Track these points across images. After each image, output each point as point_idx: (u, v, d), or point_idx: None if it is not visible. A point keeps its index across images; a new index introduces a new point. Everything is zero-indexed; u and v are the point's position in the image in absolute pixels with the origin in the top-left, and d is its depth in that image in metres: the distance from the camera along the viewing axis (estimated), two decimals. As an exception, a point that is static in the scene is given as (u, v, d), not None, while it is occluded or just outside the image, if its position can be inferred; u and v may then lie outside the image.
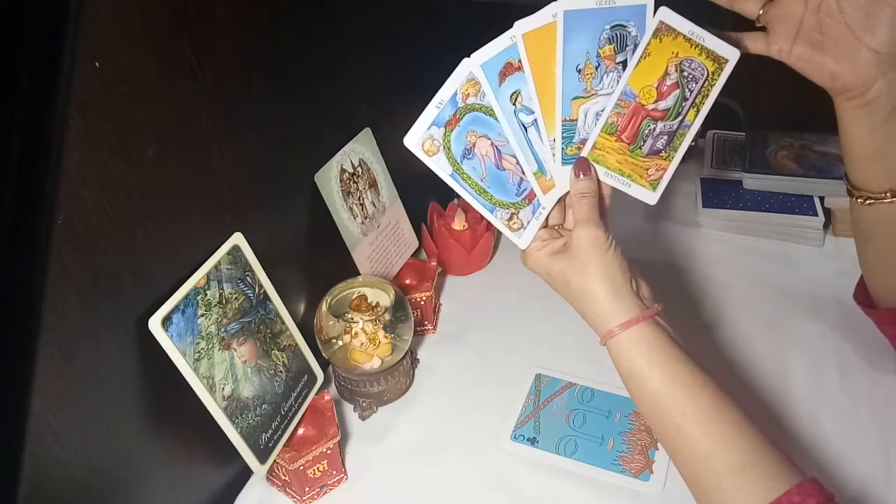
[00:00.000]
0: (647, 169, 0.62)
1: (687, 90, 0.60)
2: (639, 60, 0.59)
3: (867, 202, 0.65)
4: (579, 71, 0.60)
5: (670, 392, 0.58)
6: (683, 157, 0.65)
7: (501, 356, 0.89)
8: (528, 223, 0.65)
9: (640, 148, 0.62)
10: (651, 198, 0.63)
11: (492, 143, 0.62)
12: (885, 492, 0.70)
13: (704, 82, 0.59)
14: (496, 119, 0.62)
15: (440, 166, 0.61)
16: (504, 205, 0.63)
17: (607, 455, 0.76)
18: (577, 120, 0.62)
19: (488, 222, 1.00)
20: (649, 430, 0.78)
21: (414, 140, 0.60)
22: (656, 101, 0.60)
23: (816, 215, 1.01)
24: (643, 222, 1.08)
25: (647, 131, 0.61)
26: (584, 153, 0.63)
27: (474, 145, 0.61)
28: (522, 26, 0.59)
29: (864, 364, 0.83)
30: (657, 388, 0.58)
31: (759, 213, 1.03)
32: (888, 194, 0.63)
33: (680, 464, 0.58)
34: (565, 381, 0.85)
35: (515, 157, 0.64)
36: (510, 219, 0.64)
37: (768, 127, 1.14)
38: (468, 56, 0.61)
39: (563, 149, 0.63)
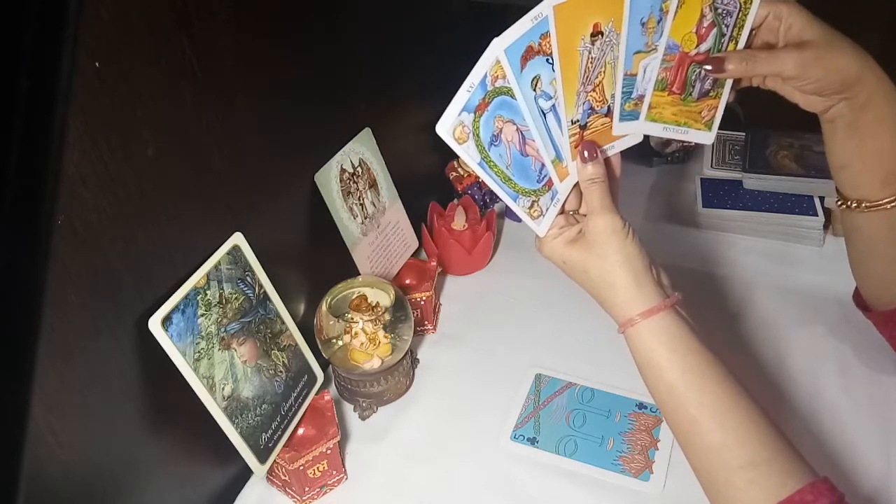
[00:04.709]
0: (700, 111, 0.64)
1: (724, 26, 0.61)
2: (676, 11, 0.60)
3: (842, 207, 0.69)
4: (643, 24, 0.61)
5: (688, 383, 0.58)
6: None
7: (501, 356, 0.89)
8: (547, 210, 0.64)
9: (690, 94, 0.63)
10: (708, 137, 0.65)
11: (517, 129, 0.61)
12: (885, 491, 0.70)
13: (738, 13, 0.60)
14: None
15: (469, 154, 0.59)
16: (526, 192, 0.63)
17: (607, 455, 0.76)
18: (637, 74, 0.63)
19: (488, 222, 1.02)
20: (649, 430, 0.78)
21: (445, 127, 0.58)
22: (697, 45, 0.61)
23: (816, 215, 1.01)
24: (643, 222, 1.07)
25: (694, 77, 0.63)
26: (643, 115, 0.64)
27: (501, 131, 0.60)
28: None
29: (864, 364, 0.83)
30: (675, 378, 0.58)
31: (759, 213, 1.03)
32: (854, 203, 0.67)
33: (691, 455, 0.58)
34: (565, 381, 0.85)
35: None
36: (531, 206, 0.63)
37: (768, 127, 1.14)
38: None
39: (621, 104, 0.64)
